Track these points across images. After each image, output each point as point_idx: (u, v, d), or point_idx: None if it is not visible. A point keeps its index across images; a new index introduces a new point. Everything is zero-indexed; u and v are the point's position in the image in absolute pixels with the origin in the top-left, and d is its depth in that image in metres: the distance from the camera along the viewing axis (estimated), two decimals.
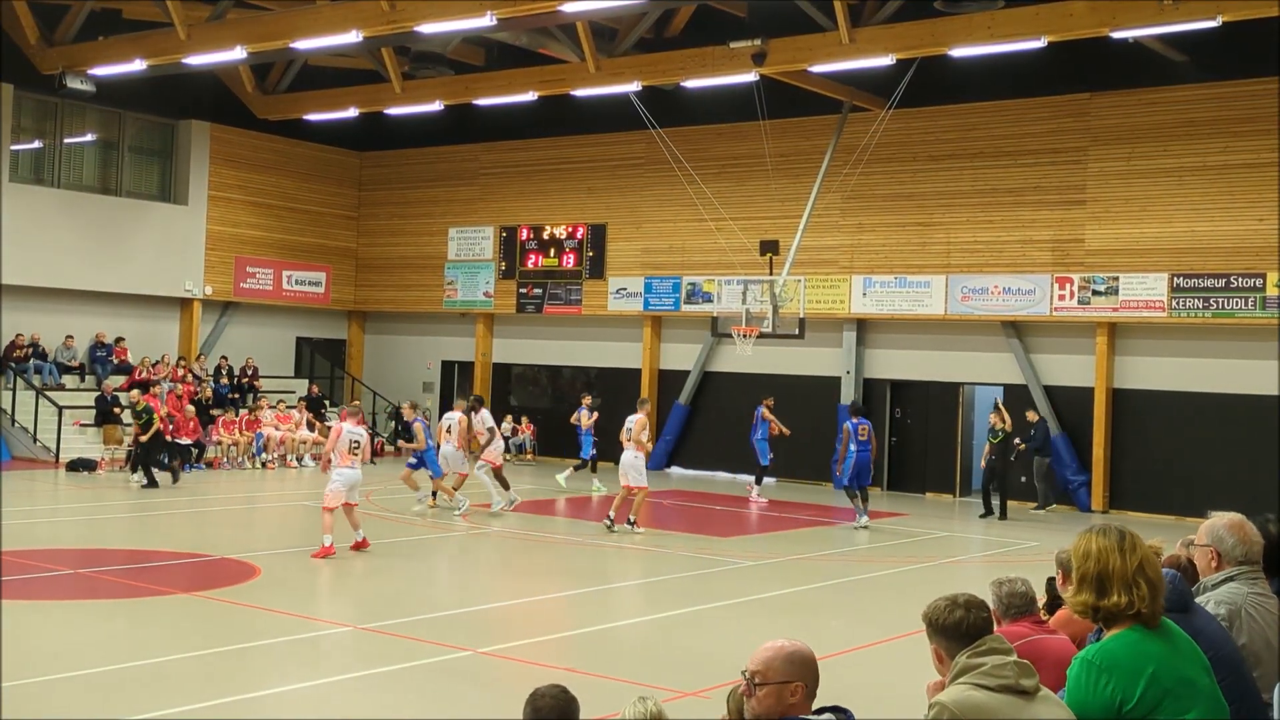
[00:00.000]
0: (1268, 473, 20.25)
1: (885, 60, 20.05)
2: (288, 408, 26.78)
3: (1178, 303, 21.59)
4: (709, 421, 26.91)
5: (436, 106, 25.04)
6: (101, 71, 23.82)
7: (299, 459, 25.94)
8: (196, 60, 22.41)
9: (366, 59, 25.20)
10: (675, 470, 24.09)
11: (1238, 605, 4.86)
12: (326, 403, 29.15)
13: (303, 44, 21.13)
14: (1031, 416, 22.41)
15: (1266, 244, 20.79)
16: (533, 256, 29.06)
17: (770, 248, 22.89)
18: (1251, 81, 21.04)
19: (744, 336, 22.04)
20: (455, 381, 30.74)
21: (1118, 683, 3.74)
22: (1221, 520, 5.22)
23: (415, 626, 11.01)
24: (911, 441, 25.09)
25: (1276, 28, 18.54)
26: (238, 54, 21.82)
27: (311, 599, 12.81)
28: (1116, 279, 22.13)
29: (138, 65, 22.99)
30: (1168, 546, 6.02)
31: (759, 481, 22.47)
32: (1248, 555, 5.06)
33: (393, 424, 29.67)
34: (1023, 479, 23.04)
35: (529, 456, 28.74)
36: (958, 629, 3.95)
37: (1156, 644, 3.83)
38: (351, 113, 26.39)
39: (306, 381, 29.94)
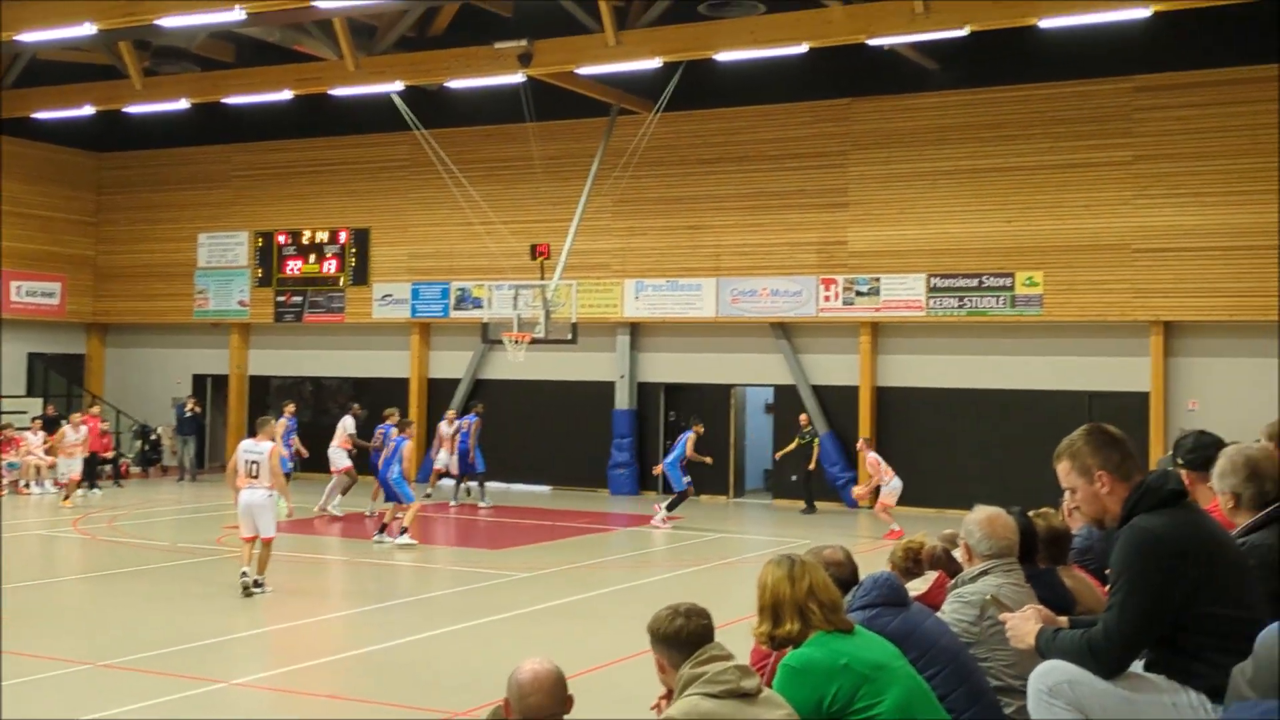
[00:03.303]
0: (1022, 464, 21.07)
1: (652, 63, 20.02)
2: (18, 429, 24.78)
3: (935, 302, 22.30)
4: (482, 430, 26.28)
5: (182, 105, 23.66)
6: None
7: (38, 483, 24.02)
8: None
9: (104, 54, 23.60)
10: (446, 482, 23.46)
11: (990, 598, 4.99)
12: (64, 423, 27.15)
13: (29, 36, 19.61)
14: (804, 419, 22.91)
15: (1016, 244, 21.68)
16: (291, 263, 27.86)
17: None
18: (998, 89, 21.94)
19: (516, 343, 21.61)
20: (209, 395, 29.17)
21: (816, 681, 4.10)
22: (974, 515, 5.34)
23: (163, 660, 10.13)
24: None
25: (1021, 38, 19.32)
26: None
27: (45, 635, 11.67)
28: (878, 280, 22.70)
29: None
30: (929, 539, 6.24)
31: (672, 507, 20.28)
32: (996, 549, 5.22)
33: (139, 443, 27.97)
34: (793, 478, 23.38)
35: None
36: (678, 637, 4.07)
37: (848, 641, 4.22)
38: (87, 111, 24.68)
39: (41, 401, 27.86)
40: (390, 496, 17.52)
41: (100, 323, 30.17)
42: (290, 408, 23.11)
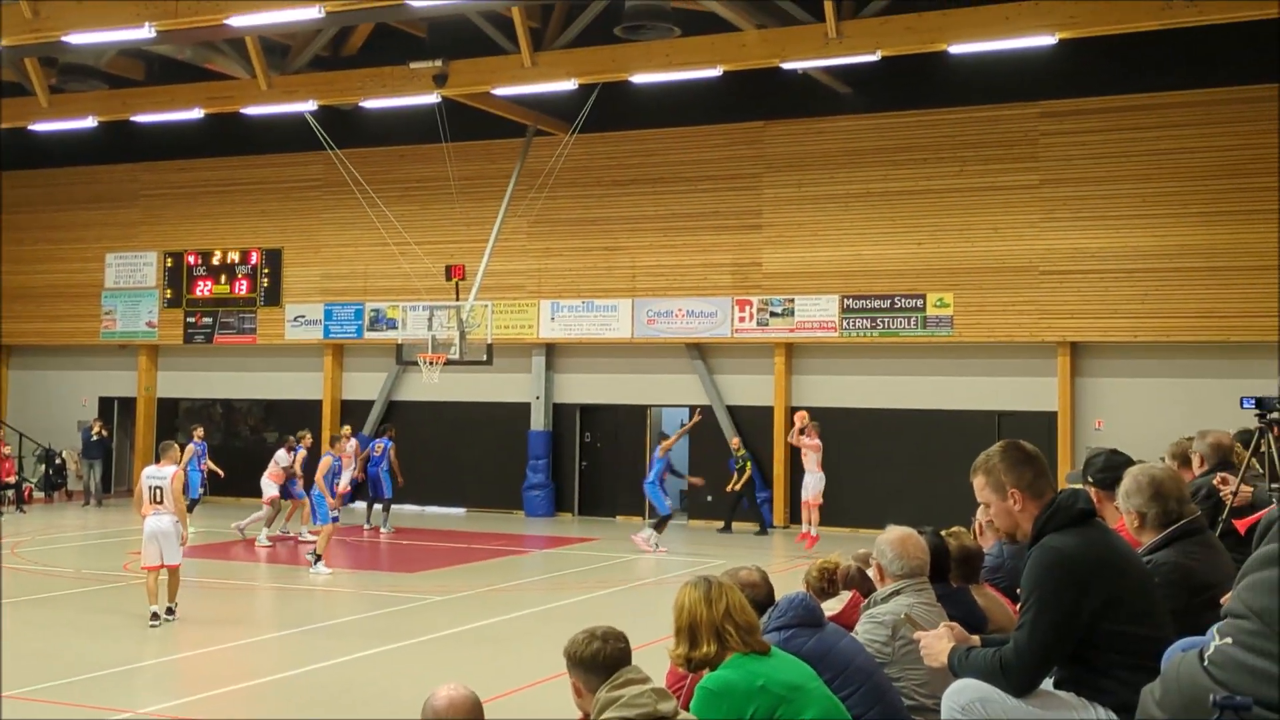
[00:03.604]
0: (934, 483, 21.39)
1: (568, 85, 20.06)
2: None
3: (848, 323, 22.56)
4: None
5: (90, 123, 23.21)
6: None
7: None
8: None
9: (9, 70, 23.07)
10: (358, 505, 23.19)
11: (903, 616, 5.03)
12: None
13: None
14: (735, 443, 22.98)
15: (926, 266, 22.03)
16: (202, 283, 27.42)
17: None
18: (909, 113, 22.31)
19: (430, 364, 21.45)
20: (115, 418, 28.54)
21: (733, 703, 4.11)
22: (885, 536, 5.40)
23: (69, 689, 9.88)
24: (601, 465, 25.13)
25: (931, 63, 19.69)
26: None
27: None
28: (793, 301, 22.92)
29: None
30: (843, 559, 6.31)
31: (659, 529, 19.85)
32: (908, 569, 5.28)
33: (43, 468, 27.28)
34: (709, 498, 23.47)
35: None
36: (595, 660, 4.08)
37: (765, 663, 4.24)
38: None
39: None
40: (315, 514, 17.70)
41: (3, 344, 29.40)
42: (199, 431, 22.69)
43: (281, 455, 20.65)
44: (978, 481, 4.31)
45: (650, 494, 20.26)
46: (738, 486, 22.54)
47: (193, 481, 21.07)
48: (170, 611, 12.94)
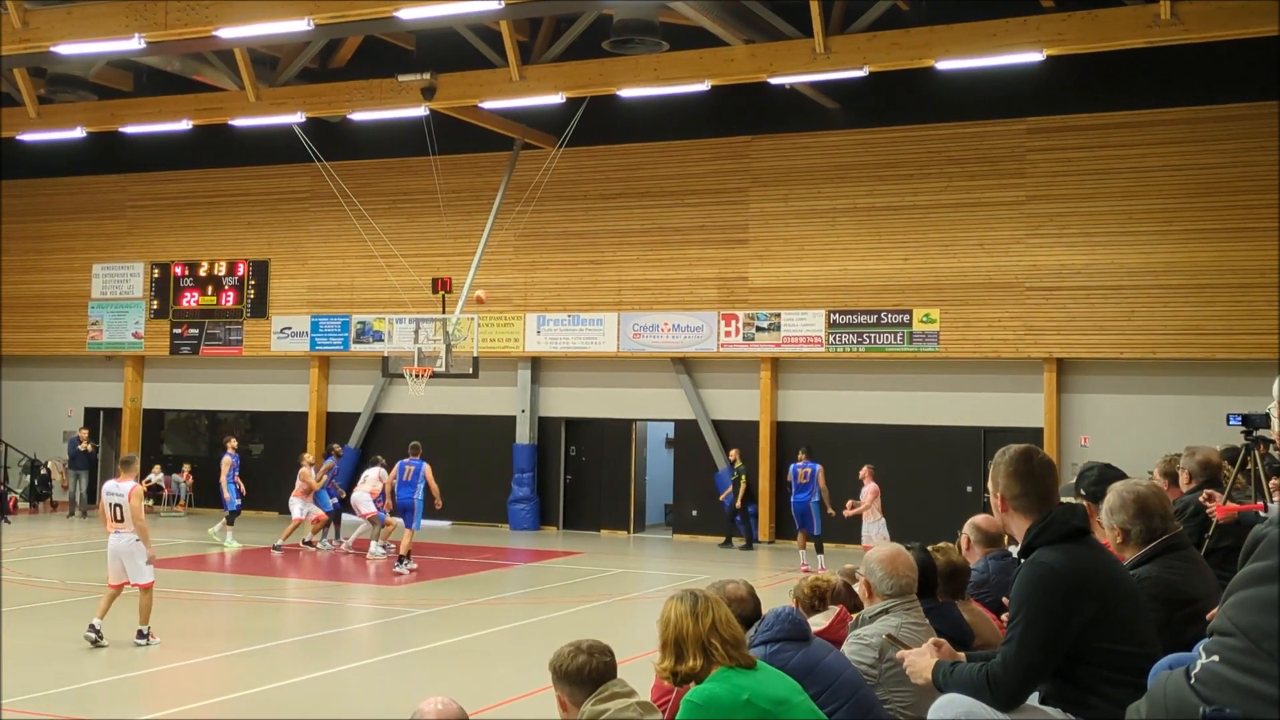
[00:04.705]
0: (920, 499, 21.43)
1: (555, 98, 20.11)
2: None
3: (834, 338, 22.60)
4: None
5: (78, 133, 23.18)
6: None
7: None
8: None
9: None
10: (347, 518, 23.10)
11: (886, 637, 5.03)
12: None
13: None
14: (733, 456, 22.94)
15: (912, 282, 22.08)
16: (188, 294, 27.36)
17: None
18: (895, 129, 22.38)
19: (417, 377, 21.42)
20: (101, 429, 28.43)
21: (718, 717, 4.07)
22: (874, 554, 5.38)
23: (52, 701, 9.82)
24: (586, 479, 25.10)
25: (918, 79, 19.78)
26: None
27: None
28: (779, 315, 22.95)
29: None
30: (829, 573, 6.29)
31: (820, 550, 19.73)
32: (897, 587, 5.24)
33: (28, 478, 27.15)
34: (694, 512, 23.47)
35: (180, 508, 26.87)
36: (580, 674, 4.08)
37: (750, 677, 4.20)
38: None
39: None
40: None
41: None
42: (233, 443, 22.38)
43: (379, 472, 20.36)
44: (991, 471, 4.36)
45: (813, 513, 19.61)
46: (738, 501, 22.43)
47: (232, 493, 21.21)
48: (143, 635, 12.22)
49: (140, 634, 12.22)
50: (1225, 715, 2.68)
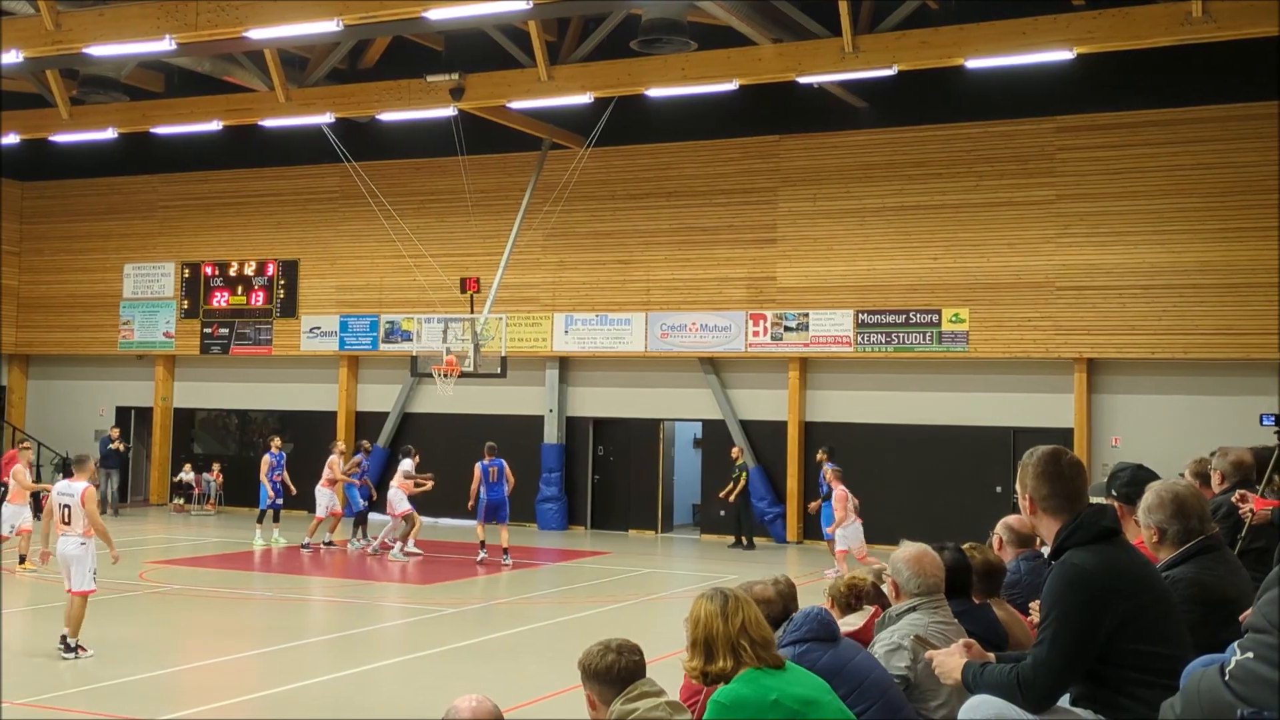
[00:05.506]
0: (949, 499, 21.34)
1: (583, 98, 20.11)
2: None
3: (863, 338, 22.52)
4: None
5: (110, 134, 23.37)
6: None
7: None
8: None
9: (30, 81, 23.25)
10: (374, 516, 23.18)
11: (915, 638, 5.02)
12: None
13: None
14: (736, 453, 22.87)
15: (941, 281, 21.98)
16: (218, 294, 27.53)
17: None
18: (924, 128, 22.28)
19: (445, 376, 21.49)
20: (133, 428, 28.65)
21: (746, 717, 4.06)
22: (901, 553, 5.34)
23: (82, 699, 9.90)
24: (614, 479, 25.11)
25: (947, 78, 19.70)
26: None
27: None
28: (807, 315, 22.89)
29: None
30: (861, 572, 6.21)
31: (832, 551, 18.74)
32: (924, 587, 5.21)
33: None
34: (721, 513, 23.44)
35: (210, 507, 27.03)
36: (610, 673, 4.08)
37: (779, 677, 4.18)
38: (12, 139, 24.28)
39: None
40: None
41: (22, 354, 29.58)
42: (276, 441, 22.41)
43: (407, 465, 20.73)
44: (1019, 472, 4.33)
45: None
46: (731, 497, 22.21)
47: (263, 492, 21.38)
48: (69, 647, 11.25)
49: (67, 644, 11.31)
50: (1264, 718, 2.66)
